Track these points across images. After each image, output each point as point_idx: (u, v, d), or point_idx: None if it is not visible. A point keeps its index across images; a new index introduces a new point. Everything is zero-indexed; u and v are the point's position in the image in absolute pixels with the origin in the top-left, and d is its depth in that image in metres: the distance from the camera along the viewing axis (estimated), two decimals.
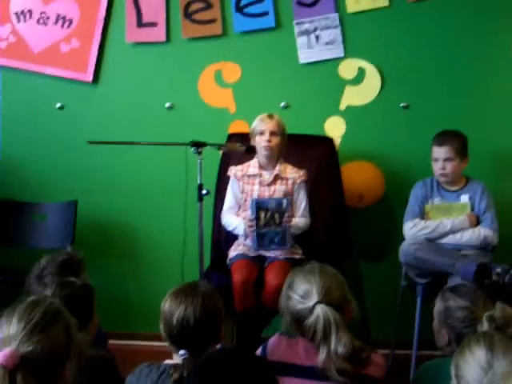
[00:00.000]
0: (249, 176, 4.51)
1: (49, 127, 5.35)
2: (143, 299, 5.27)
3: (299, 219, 4.46)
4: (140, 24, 5.16)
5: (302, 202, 4.50)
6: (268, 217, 4.25)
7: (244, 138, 4.58)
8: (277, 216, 4.25)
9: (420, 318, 4.35)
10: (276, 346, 2.73)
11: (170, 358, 2.69)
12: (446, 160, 4.44)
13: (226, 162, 4.83)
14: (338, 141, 5.07)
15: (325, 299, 2.61)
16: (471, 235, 4.39)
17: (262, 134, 4.42)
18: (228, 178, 4.59)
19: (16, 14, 5.27)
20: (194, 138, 4.18)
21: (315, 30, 5.04)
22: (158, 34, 5.17)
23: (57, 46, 5.26)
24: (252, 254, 4.38)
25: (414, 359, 4.37)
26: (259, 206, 4.27)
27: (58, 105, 5.31)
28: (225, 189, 4.62)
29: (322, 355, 2.55)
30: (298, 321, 2.66)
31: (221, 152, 4.87)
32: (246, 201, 4.49)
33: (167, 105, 5.22)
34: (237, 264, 4.30)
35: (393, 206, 5.10)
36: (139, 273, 5.37)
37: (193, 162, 4.16)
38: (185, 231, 4.60)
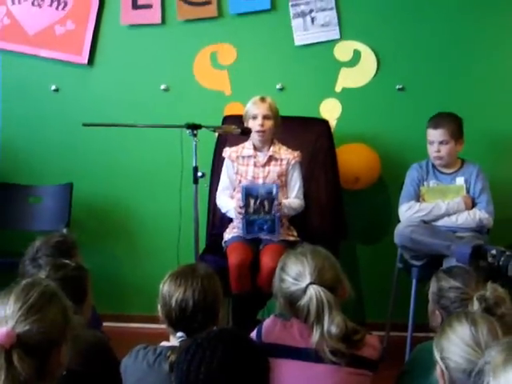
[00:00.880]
0: (243, 157, 4.51)
1: (44, 109, 5.34)
2: (139, 281, 5.28)
3: (293, 200, 4.46)
4: (135, 6, 5.14)
5: (295, 183, 4.50)
6: (257, 204, 4.24)
7: (239, 120, 4.56)
8: (266, 203, 4.24)
9: (415, 300, 4.36)
10: (271, 328, 2.74)
11: (166, 339, 2.70)
12: (441, 143, 4.44)
13: (222, 144, 4.82)
14: (333, 123, 5.06)
15: (317, 280, 2.62)
16: (466, 217, 4.39)
17: (254, 118, 4.42)
18: (223, 159, 4.59)
19: None
20: (190, 120, 4.16)
21: (311, 11, 5.02)
22: (153, 15, 5.14)
23: (52, 28, 5.23)
24: (247, 236, 4.38)
25: (409, 341, 4.38)
26: (248, 192, 4.25)
27: (53, 87, 5.29)
28: (220, 171, 4.62)
29: (315, 336, 2.56)
30: (292, 302, 2.66)
31: (216, 134, 4.86)
32: (240, 182, 4.49)
33: (162, 87, 5.21)
34: (232, 246, 4.31)
35: (388, 189, 5.11)
36: (135, 255, 5.38)
37: (188, 144, 4.15)
38: (180, 213, 4.58)
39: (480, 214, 4.39)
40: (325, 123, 4.94)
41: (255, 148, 4.51)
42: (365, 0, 5.02)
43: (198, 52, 5.16)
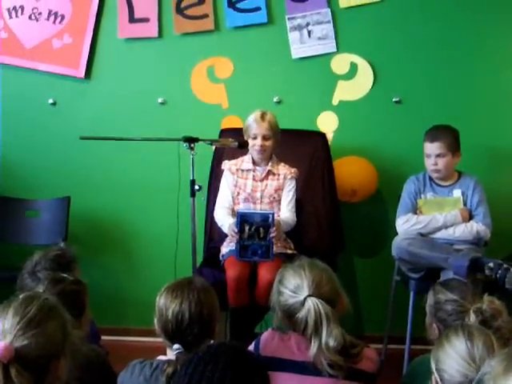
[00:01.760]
0: (242, 170, 4.52)
1: (41, 123, 5.35)
2: (136, 295, 5.27)
3: (286, 216, 4.45)
4: (132, 20, 5.16)
5: (289, 196, 4.50)
6: (252, 230, 4.21)
7: (237, 133, 4.57)
8: (261, 230, 4.20)
9: (413, 312, 4.35)
10: (268, 341, 2.73)
11: (164, 353, 2.69)
12: (437, 156, 4.44)
13: (219, 157, 4.83)
14: (330, 136, 5.07)
15: (315, 293, 2.62)
16: (464, 230, 4.39)
17: (254, 138, 4.43)
18: (221, 173, 4.59)
19: (8, 9, 5.26)
20: (187, 133, 4.17)
21: (307, 25, 5.04)
22: (150, 29, 5.16)
23: (49, 42, 5.25)
24: (240, 260, 4.35)
25: (407, 354, 4.38)
26: (244, 219, 4.22)
27: (51, 101, 5.30)
28: (217, 184, 4.62)
29: (313, 348, 2.56)
30: (290, 315, 2.66)
31: (213, 147, 4.87)
32: (238, 194, 4.50)
33: (160, 100, 5.22)
34: (230, 260, 4.29)
35: (385, 201, 5.11)
36: (132, 268, 5.38)
37: (185, 157, 4.15)
38: (177, 227, 4.59)
39: (477, 227, 4.39)
40: (322, 136, 4.95)
41: (254, 162, 4.52)
42: (361, 13, 5.03)
43: (195, 65, 5.17)
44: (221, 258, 4.45)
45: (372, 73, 5.05)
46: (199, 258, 4.49)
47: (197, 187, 4.13)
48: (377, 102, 5.08)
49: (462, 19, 4.99)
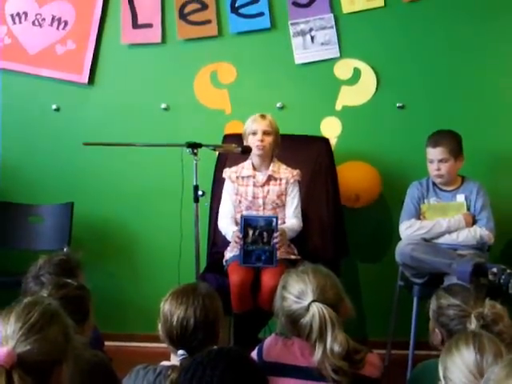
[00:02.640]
0: (243, 177, 4.52)
1: (45, 129, 5.35)
2: (140, 300, 5.27)
3: (292, 222, 4.45)
4: (135, 25, 5.16)
5: (293, 202, 4.49)
6: (256, 235, 4.20)
7: (240, 138, 4.56)
8: (265, 235, 4.19)
9: (416, 318, 4.35)
10: (272, 346, 2.73)
11: (167, 359, 2.69)
12: (440, 161, 4.44)
13: (222, 162, 4.83)
14: (333, 141, 5.07)
15: (320, 298, 2.62)
16: (467, 235, 4.39)
17: (254, 134, 4.42)
18: (223, 179, 4.59)
19: (11, 15, 5.27)
20: (190, 138, 4.16)
21: (310, 30, 5.04)
22: (154, 35, 5.17)
23: (52, 48, 5.25)
24: (243, 265, 4.34)
25: (411, 359, 4.37)
26: (247, 223, 4.21)
27: (54, 106, 5.30)
28: (221, 190, 4.62)
29: (317, 354, 2.55)
30: (294, 321, 2.66)
31: (217, 153, 4.86)
32: (240, 202, 4.50)
33: (163, 106, 5.22)
34: (233, 265, 4.28)
35: (389, 206, 5.10)
36: (135, 274, 5.38)
37: (188, 162, 4.15)
38: (181, 232, 4.59)
39: (481, 231, 4.38)
40: (325, 141, 4.94)
41: (254, 168, 4.52)
42: (364, 18, 5.04)
43: (199, 71, 5.17)
44: (224, 263, 4.45)
45: (375, 78, 5.05)
46: (203, 264, 4.49)
47: (200, 193, 4.13)
48: (380, 108, 5.08)
49: (465, 25, 4.99)
